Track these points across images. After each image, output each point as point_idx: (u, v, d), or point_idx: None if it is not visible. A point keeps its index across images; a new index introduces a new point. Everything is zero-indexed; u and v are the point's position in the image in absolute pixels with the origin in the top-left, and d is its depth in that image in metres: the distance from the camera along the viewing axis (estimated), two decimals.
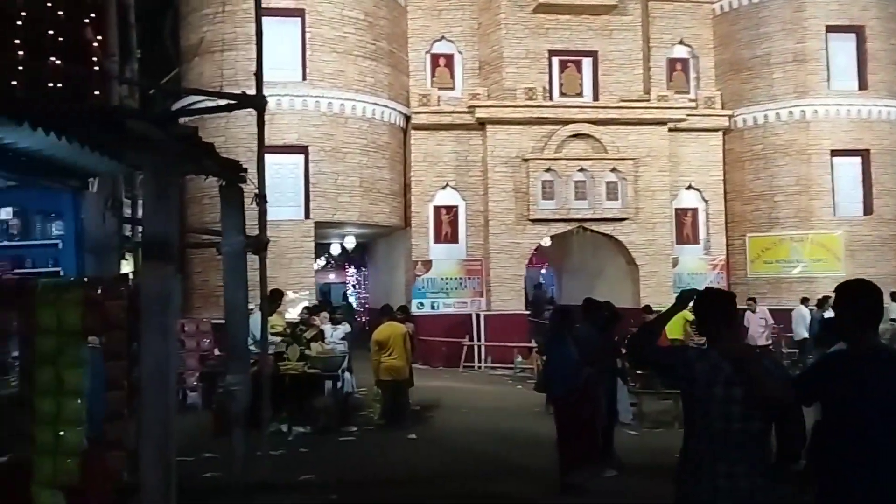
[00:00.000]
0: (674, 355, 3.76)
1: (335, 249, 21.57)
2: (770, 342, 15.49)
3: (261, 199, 8.00)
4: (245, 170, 6.27)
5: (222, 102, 10.33)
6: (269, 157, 16.42)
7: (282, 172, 16.70)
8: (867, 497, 3.09)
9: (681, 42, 20.13)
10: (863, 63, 18.78)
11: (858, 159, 18.76)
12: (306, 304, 15.39)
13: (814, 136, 18.72)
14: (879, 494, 3.07)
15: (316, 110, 16.77)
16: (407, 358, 10.29)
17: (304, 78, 16.77)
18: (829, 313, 14.82)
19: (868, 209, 18.70)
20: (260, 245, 7.47)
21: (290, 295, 16.03)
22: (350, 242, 19.64)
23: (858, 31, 18.76)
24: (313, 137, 16.73)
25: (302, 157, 16.77)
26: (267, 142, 15.75)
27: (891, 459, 3.07)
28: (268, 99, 15.60)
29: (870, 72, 18.74)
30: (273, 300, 10.86)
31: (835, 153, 18.65)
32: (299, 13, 16.81)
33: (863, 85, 18.75)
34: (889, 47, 18.92)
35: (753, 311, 15.57)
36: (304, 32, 16.81)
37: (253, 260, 7.09)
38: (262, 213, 8.34)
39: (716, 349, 3.44)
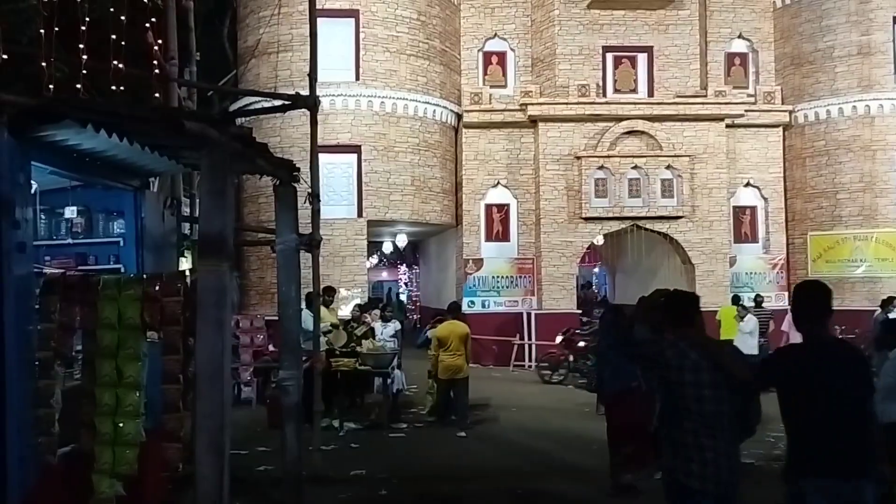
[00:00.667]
0: (650, 348, 4.27)
1: (387, 247, 21.74)
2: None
3: (314, 197, 8.15)
4: (298, 169, 6.38)
5: (277, 103, 10.58)
6: (322, 157, 16.72)
7: (335, 172, 16.93)
8: (823, 460, 3.74)
9: (740, 36, 19.65)
10: None
11: None
12: (358, 301, 15.58)
13: (878, 132, 18.06)
14: (830, 458, 3.72)
15: (369, 110, 16.93)
16: (466, 356, 10.29)
17: (357, 78, 16.94)
18: (895, 314, 14.33)
19: None
20: (313, 243, 7.61)
21: (342, 292, 16.29)
22: (402, 241, 19.78)
23: None
24: (366, 137, 16.90)
25: (355, 156, 16.95)
26: (320, 141, 16.06)
27: (837, 429, 3.73)
28: (321, 99, 15.92)
29: None
30: (326, 297, 11.07)
31: None
32: (353, 14, 16.99)
33: None
34: None
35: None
36: (357, 33, 16.98)
37: (306, 258, 7.23)
38: (315, 212, 8.50)
39: (683, 340, 4.00)
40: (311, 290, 8.48)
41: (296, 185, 6.41)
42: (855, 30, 18.23)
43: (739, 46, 19.74)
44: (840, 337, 4.95)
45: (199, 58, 12.03)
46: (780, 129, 19.34)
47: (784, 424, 3.87)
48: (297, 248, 6.25)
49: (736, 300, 14.86)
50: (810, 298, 3.95)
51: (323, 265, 16.53)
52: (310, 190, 8.44)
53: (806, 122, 19.02)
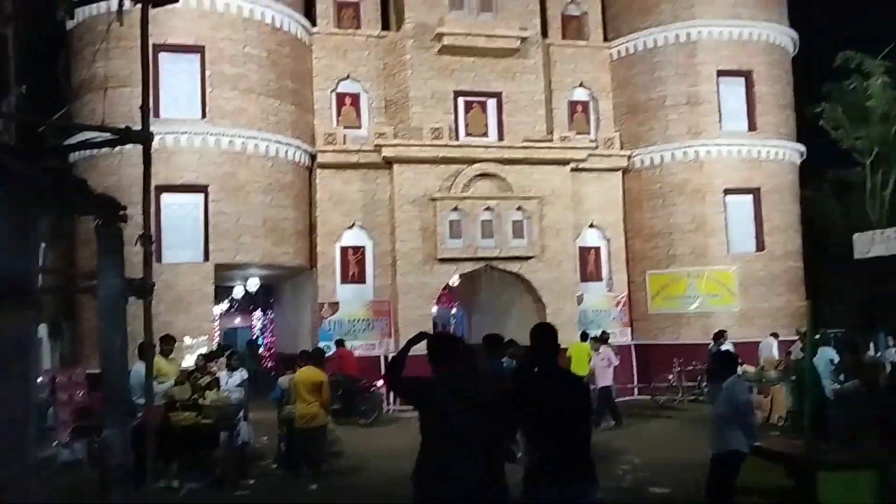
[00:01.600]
0: (416, 383, 4.69)
1: (238, 292, 20.86)
2: (611, 382, 14.68)
3: (146, 239, 7.56)
4: (123, 208, 5.88)
5: (108, 137, 9.85)
6: (166, 198, 16.08)
7: (180, 213, 16.15)
8: (556, 470, 4.46)
9: (581, 85, 20.72)
10: (752, 106, 19.79)
11: (750, 197, 19.64)
12: (203, 350, 14.77)
13: (707, 176, 19.51)
14: (561, 468, 4.46)
15: (216, 148, 16.31)
16: (323, 404, 9.82)
17: (203, 116, 16.32)
18: (726, 346, 15.31)
19: (760, 245, 19.55)
20: (144, 289, 7.03)
21: (187, 341, 15.40)
22: (253, 285, 19.06)
23: (747, 76, 19.80)
24: (214, 176, 16.24)
25: (202, 196, 16.23)
26: (165, 181, 15.29)
27: (566, 443, 4.49)
28: (165, 137, 15.17)
29: (758, 114, 19.76)
30: (164, 346, 10.32)
31: (727, 192, 19.46)
32: (199, 50, 16.42)
33: (752, 126, 19.74)
34: (775, 91, 20.04)
35: (597, 351, 14.68)
36: (203, 69, 16.40)
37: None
38: (147, 255, 7.89)
39: (447, 374, 4.56)
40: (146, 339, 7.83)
41: (123, 225, 5.89)
42: (684, 81, 19.71)
43: (581, 95, 20.80)
44: (563, 367, 5.87)
45: (26, 90, 11.11)
46: (620, 172, 20.47)
47: (525, 442, 4.52)
48: (124, 295, 5.72)
49: (585, 337, 15.38)
50: (544, 337, 4.74)
51: (166, 312, 15.72)
52: (145, 232, 7.84)
53: (642, 166, 20.25)
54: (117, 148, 15.81)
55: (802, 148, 20.62)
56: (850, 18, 23.96)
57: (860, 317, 20.96)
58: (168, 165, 15.94)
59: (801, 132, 21.10)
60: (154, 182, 14.65)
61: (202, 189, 16.18)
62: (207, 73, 16.41)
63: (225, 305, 28.04)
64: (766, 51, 20.09)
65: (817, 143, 21.60)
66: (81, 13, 16.32)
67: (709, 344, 16.45)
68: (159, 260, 15.78)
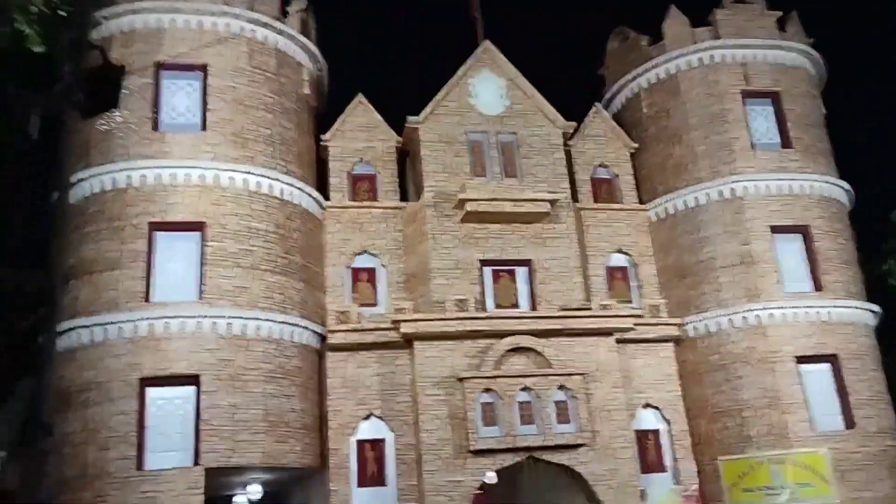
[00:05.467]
0: None
1: (240, 501, 17.95)
2: None
3: None
4: None
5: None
6: (152, 392, 13.87)
7: (166, 409, 13.94)
8: None
9: (619, 251, 18.90)
10: (814, 264, 17.68)
11: (828, 366, 16.99)
12: None
13: (774, 343, 17.01)
14: None
15: (212, 332, 14.36)
16: None
17: (199, 297, 14.54)
18: None
19: (849, 422, 16.59)
20: None
21: None
22: (256, 492, 16.24)
23: (804, 231, 17.88)
24: (207, 364, 14.16)
25: (193, 388, 14.05)
26: (151, 373, 13.06)
27: None
28: (155, 323, 13.20)
29: (822, 272, 17.60)
30: None
31: (800, 360, 16.87)
32: (199, 227, 14.99)
33: (817, 286, 17.51)
34: (837, 247, 18.01)
35: None
36: (203, 247, 14.87)
37: None
38: None
39: None
40: None
41: None
42: (734, 240, 17.81)
43: (619, 260, 18.93)
44: None
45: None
46: (671, 343, 18.06)
47: None
48: None
49: None
50: None
51: None
52: None
53: (696, 334, 17.88)
54: (99, 338, 14.10)
55: (877, 308, 18.20)
56: None
57: None
58: (156, 355, 13.99)
59: (870, 293, 18.78)
60: (138, 374, 12.63)
61: (193, 380, 14.04)
62: (207, 250, 14.85)
63: None
64: (820, 204, 18.32)
65: (888, 305, 19.16)
66: (73, 195, 15.24)
67: None
68: (141, 467, 13.39)
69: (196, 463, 13.59)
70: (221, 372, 14.19)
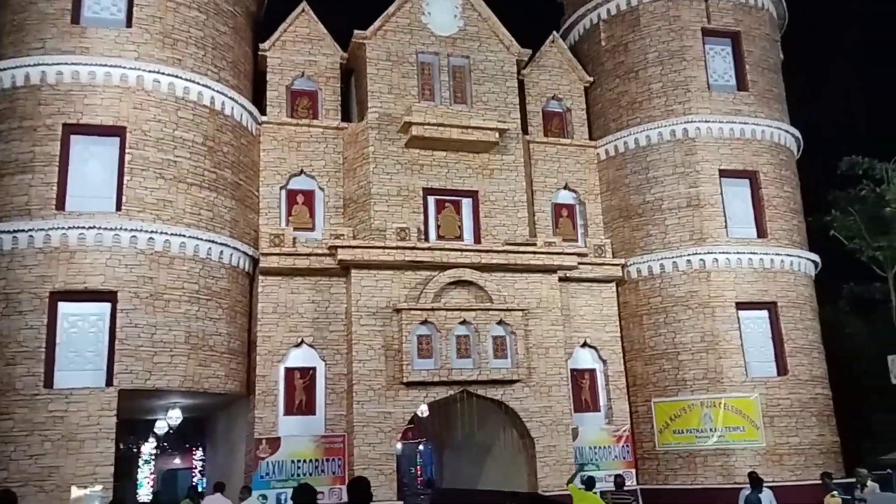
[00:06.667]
0: None
1: (161, 427, 17.22)
2: None
3: None
4: None
5: None
6: (64, 307, 12.78)
7: (80, 325, 12.96)
8: None
9: (566, 187, 18.35)
10: (759, 210, 17.45)
11: (765, 313, 16.94)
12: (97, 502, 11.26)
13: (716, 288, 16.84)
14: None
15: (132, 247, 13.32)
16: None
17: (118, 208, 13.42)
18: (766, 494, 12.12)
19: (782, 369, 16.64)
20: None
21: (74, 493, 11.83)
22: (175, 417, 15.48)
23: (752, 177, 17.59)
24: (125, 281, 13.17)
25: (108, 305, 13.06)
26: (63, 286, 11.97)
27: None
28: (68, 233, 12.06)
29: (767, 219, 17.40)
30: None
31: (740, 306, 16.77)
32: (118, 132, 13.75)
33: (761, 233, 17.31)
34: (784, 195, 17.81)
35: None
36: (122, 154, 13.67)
37: None
38: None
39: None
40: None
41: None
42: (682, 182, 17.43)
43: (566, 197, 18.42)
44: None
45: None
46: (613, 284, 17.78)
47: None
48: None
49: (591, 483, 11.92)
50: (352, 493, 5.17)
51: (52, 453, 12.05)
52: None
53: (639, 276, 17.61)
54: (7, 246, 12.93)
55: (817, 258, 18.20)
56: (849, 123, 22.42)
57: None
58: (69, 268, 12.92)
59: (811, 243, 18.77)
60: (49, 287, 11.53)
61: (110, 296, 13.03)
62: (128, 158, 13.66)
63: (152, 443, 24.16)
64: (770, 150, 18.02)
65: (828, 255, 19.20)
66: None
67: (732, 489, 13.28)
68: (50, 385, 12.46)
69: (109, 383, 12.71)
70: (140, 289, 13.22)
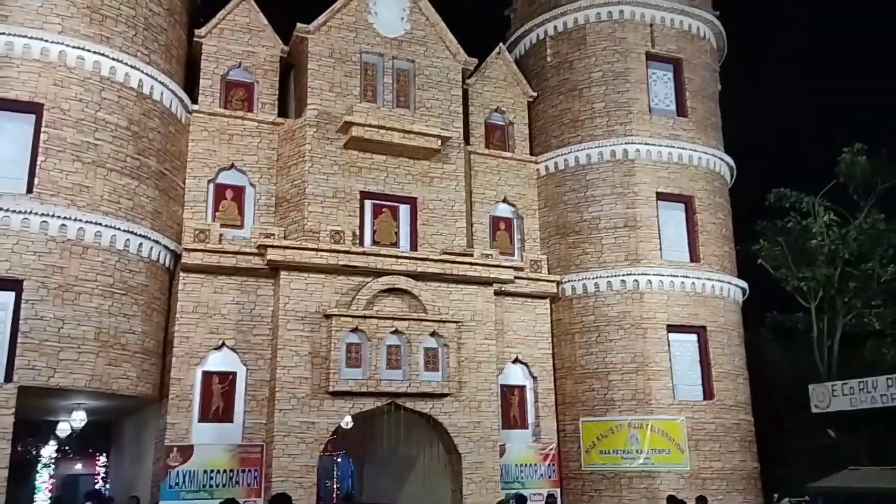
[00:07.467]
0: None
1: (63, 429, 16.01)
2: None
3: None
4: None
5: None
6: None
7: None
8: None
9: (504, 200, 18.12)
10: (693, 235, 17.62)
11: (695, 336, 17.06)
12: None
13: (648, 309, 16.86)
14: None
15: (42, 233, 12.28)
16: None
17: (29, 190, 12.38)
18: None
19: (708, 393, 16.75)
20: None
21: None
22: (79, 419, 14.37)
23: (688, 202, 17.76)
24: (32, 269, 12.11)
25: (12, 295, 11.99)
26: None
27: None
28: None
29: (700, 244, 17.57)
30: None
31: (671, 328, 16.82)
32: (35, 109, 12.71)
33: (694, 257, 17.47)
34: (717, 221, 18.04)
35: None
36: (37, 132, 12.64)
37: None
38: None
39: None
40: None
41: None
42: (620, 202, 17.44)
43: (505, 211, 18.19)
44: None
45: None
46: (548, 300, 17.60)
47: None
48: None
49: (522, 501, 11.54)
50: None
51: None
52: None
53: (573, 294, 17.48)
54: None
55: (745, 285, 18.50)
56: (778, 155, 23.05)
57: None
58: None
59: (740, 270, 19.08)
60: None
61: (15, 285, 11.97)
62: (43, 137, 12.64)
63: (52, 446, 22.64)
64: (706, 176, 18.24)
65: (754, 283, 19.54)
66: None
67: None
68: None
69: (9, 379, 11.64)
70: (49, 280, 12.19)
